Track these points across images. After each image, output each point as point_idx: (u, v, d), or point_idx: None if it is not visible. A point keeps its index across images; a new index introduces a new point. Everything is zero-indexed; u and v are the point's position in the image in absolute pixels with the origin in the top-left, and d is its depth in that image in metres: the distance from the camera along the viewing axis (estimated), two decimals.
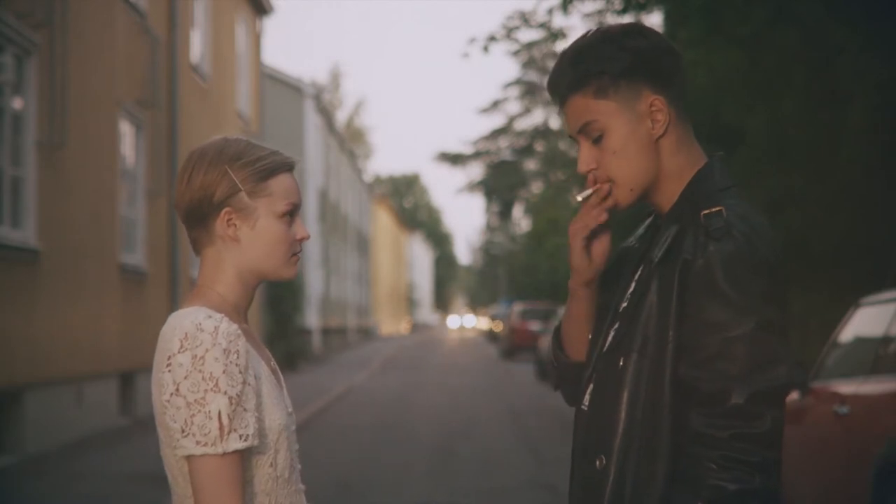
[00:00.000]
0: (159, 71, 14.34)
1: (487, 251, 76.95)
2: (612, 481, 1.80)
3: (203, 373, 1.71)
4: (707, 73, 14.70)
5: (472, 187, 62.43)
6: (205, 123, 17.22)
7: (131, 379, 12.90)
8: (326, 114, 36.30)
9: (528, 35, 54.34)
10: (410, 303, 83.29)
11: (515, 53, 56.28)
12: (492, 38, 13.96)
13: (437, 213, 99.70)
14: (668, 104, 1.84)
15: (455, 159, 62.20)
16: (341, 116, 64.20)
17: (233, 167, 1.85)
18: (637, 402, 1.78)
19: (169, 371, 1.73)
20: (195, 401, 1.70)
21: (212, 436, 1.70)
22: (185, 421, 1.71)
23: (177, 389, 1.71)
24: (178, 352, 1.72)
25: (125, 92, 13.03)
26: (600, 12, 13.39)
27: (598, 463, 1.83)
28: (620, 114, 1.84)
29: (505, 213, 62.35)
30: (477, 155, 61.39)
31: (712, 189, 1.82)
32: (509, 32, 14.32)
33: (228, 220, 1.85)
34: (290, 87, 31.70)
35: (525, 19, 14.27)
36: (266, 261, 1.88)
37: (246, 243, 1.86)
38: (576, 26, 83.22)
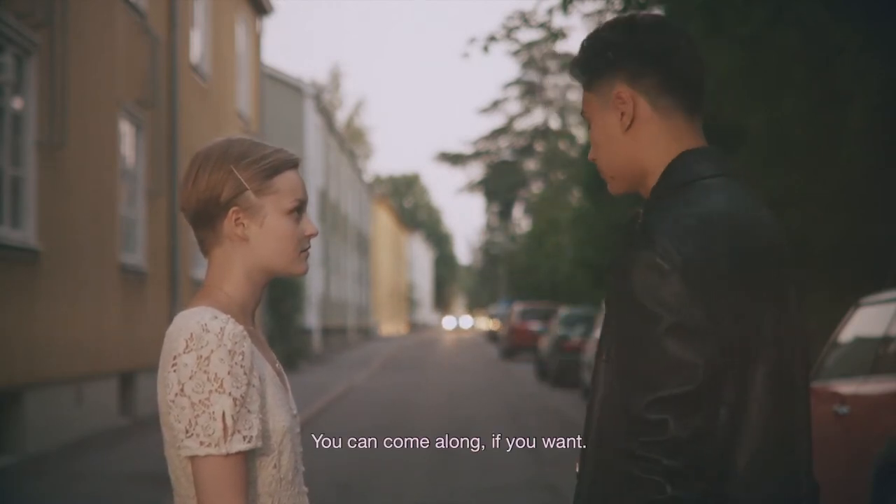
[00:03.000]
0: (159, 71, 14.33)
1: (487, 251, 76.94)
2: (579, 489, 1.81)
3: (208, 373, 1.72)
4: (707, 72, 14.68)
5: (472, 187, 62.46)
6: (205, 123, 17.21)
7: (131, 379, 12.90)
8: (326, 114, 36.28)
9: (528, 35, 54.42)
10: (410, 303, 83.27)
11: (515, 53, 56.28)
12: (492, 38, 13.96)
13: (437, 213, 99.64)
14: (642, 95, 1.81)
15: (455, 159, 62.22)
16: (341, 116, 64.19)
17: (238, 166, 1.86)
18: (604, 407, 1.77)
19: (174, 371, 1.74)
20: (200, 401, 1.72)
21: (216, 436, 1.71)
22: (190, 421, 1.72)
23: (181, 389, 1.73)
24: (184, 352, 1.74)
25: (125, 92, 13.03)
26: (600, 12, 13.37)
27: (576, 467, 1.85)
28: (599, 106, 1.85)
29: (505, 213, 62.39)
30: (477, 155, 61.42)
31: (670, 185, 1.79)
32: (509, 32, 14.32)
33: (236, 219, 1.86)
34: (290, 87, 31.69)
35: (525, 19, 14.27)
36: (276, 258, 1.89)
37: (254, 242, 1.87)
38: (576, 26, 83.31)
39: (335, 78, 66.50)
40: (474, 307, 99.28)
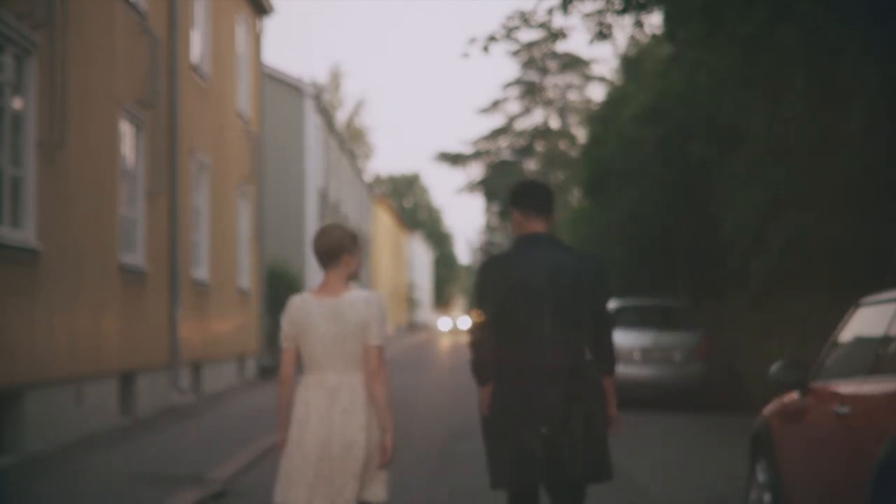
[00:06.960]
0: (159, 71, 14.34)
1: (487, 251, 76.86)
2: None
3: (383, 311, 4.60)
4: (707, 72, 14.70)
5: (472, 187, 62.43)
6: (205, 123, 17.22)
7: (131, 379, 12.88)
8: (326, 114, 36.28)
9: (528, 35, 54.38)
10: (410, 303, 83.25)
11: (515, 53, 56.28)
12: (492, 38, 13.97)
13: (437, 213, 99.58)
14: (519, 213, 4.74)
15: (455, 159, 62.20)
16: (341, 116, 64.17)
17: (353, 237, 4.74)
18: None
19: (372, 308, 4.56)
20: (383, 321, 4.57)
21: (384, 337, 4.58)
22: (379, 328, 4.55)
23: (378, 315, 4.54)
24: (375, 301, 4.59)
25: (125, 92, 13.03)
26: (600, 12, 13.36)
27: None
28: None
29: (505, 213, 62.30)
30: (477, 155, 61.39)
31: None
32: (509, 32, 14.32)
33: (348, 256, 4.67)
34: (290, 87, 31.69)
35: (525, 19, 14.26)
36: (353, 275, 4.67)
37: (350, 266, 4.71)
38: (576, 26, 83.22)
39: (335, 78, 66.50)
40: (470, 308, 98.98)
